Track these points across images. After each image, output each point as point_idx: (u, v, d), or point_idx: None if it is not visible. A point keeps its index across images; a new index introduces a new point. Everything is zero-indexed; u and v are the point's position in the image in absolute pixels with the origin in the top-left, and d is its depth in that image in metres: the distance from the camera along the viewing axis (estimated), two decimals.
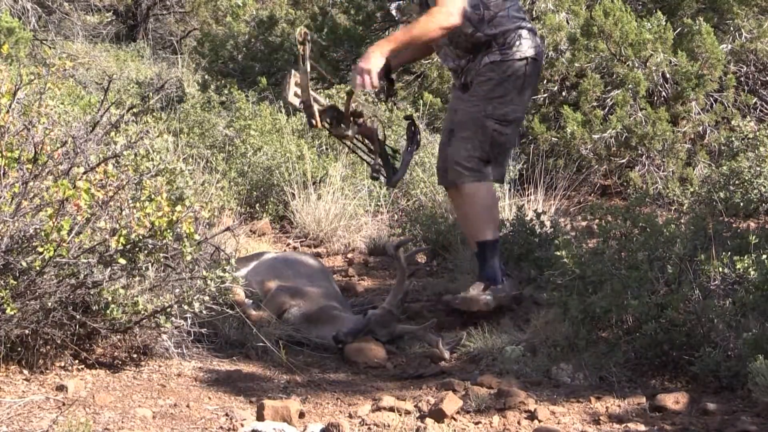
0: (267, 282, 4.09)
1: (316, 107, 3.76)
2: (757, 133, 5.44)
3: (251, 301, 3.88)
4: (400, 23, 8.62)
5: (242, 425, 2.78)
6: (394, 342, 3.83)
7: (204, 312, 3.25)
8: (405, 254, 3.88)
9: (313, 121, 3.77)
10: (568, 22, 7.18)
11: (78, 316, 3.07)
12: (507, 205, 5.36)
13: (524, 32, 3.89)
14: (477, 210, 3.92)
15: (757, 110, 7.00)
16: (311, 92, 3.76)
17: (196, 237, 3.18)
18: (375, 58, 3.72)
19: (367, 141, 4.03)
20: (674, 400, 2.96)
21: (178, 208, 3.09)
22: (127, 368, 3.26)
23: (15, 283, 2.86)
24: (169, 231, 3.04)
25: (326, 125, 3.89)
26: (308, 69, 3.71)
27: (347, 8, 8.64)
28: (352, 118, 3.89)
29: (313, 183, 5.78)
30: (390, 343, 3.81)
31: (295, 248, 5.48)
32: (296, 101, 3.84)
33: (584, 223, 4.28)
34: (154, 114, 7.37)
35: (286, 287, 4.03)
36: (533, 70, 3.92)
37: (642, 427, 2.79)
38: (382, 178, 3.95)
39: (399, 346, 3.83)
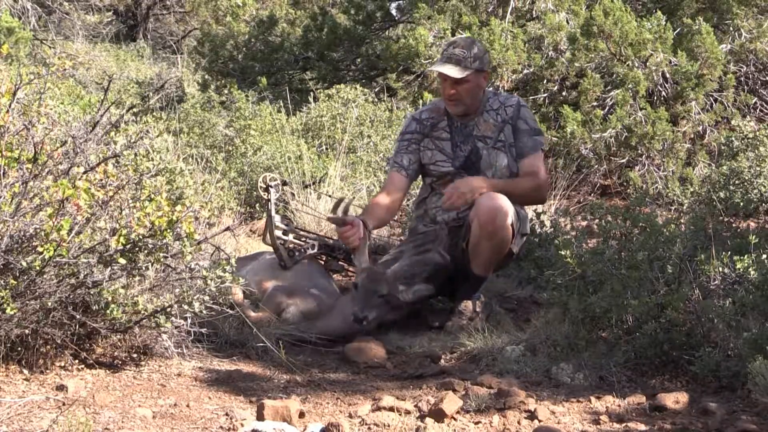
0: (265, 282, 4.09)
1: (283, 250, 4.17)
2: (757, 133, 5.44)
3: (249, 301, 3.88)
4: (400, 23, 8.63)
5: (242, 425, 2.78)
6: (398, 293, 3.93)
7: (204, 312, 3.25)
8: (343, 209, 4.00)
9: (282, 263, 4.16)
10: (568, 22, 7.19)
11: (78, 316, 3.06)
12: None
13: None
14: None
15: (757, 110, 7.01)
16: (298, 231, 4.29)
17: (196, 237, 3.17)
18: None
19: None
20: (674, 400, 2.96)
21: (178, 208, 3.08)
22: (127, 368, 3.26)
23: (15, 283, 2.86)
24: (169, 231, 3.03)
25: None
26: (273, 214, 4.12)
27: (347, 8, 8.65)
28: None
29: (313, 183, 5.78)
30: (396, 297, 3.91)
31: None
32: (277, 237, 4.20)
33: (584, 223, 4.27)
34: (154, 114, 7.38)
35: (282, 287, 4.03)
36: None
37: (642, 427, 2.79)
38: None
39: (399, 346, 3.84)
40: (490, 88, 4.49)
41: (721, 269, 3.19)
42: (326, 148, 6.59)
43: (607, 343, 3.39)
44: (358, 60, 8.52)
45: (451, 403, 2.89)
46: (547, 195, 4.42)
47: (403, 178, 4.31)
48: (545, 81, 6.98)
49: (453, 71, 4.11)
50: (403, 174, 4.30)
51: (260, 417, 2.81)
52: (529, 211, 4.39)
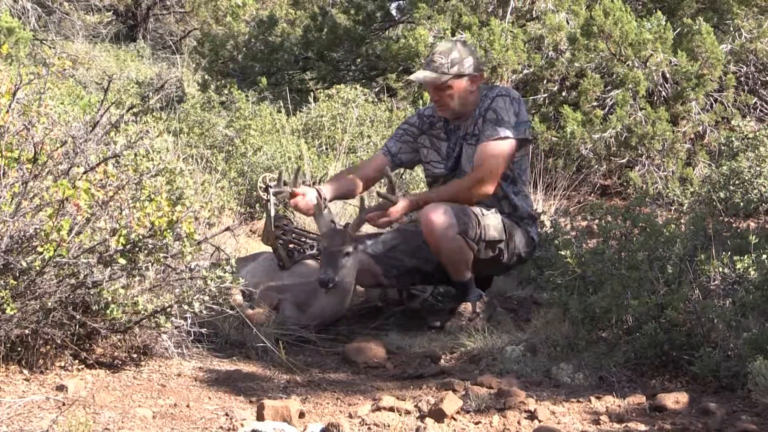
0: (262, 283, 4.09)
1: (282, 250, 4.10)
2: (757, 133, 5.44)
3: (248, 303, 3.88)
4: (400, 23, 8.63)
5: (242, 425, 2.78)
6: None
7: (204, 312, 3.25)
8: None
9: (281, 264, 4.11)
10: (568, 22, 7.19)
11: (78, 316, 3.07)
12: None
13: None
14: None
15: (757, 110, 7.02)
16: (296, 232, 4.21)
17: (196, 237, 3.17)
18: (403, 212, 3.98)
19: None
20: (674, 400, 2.96)
21: (178, 208, 3.08)
22: (127, 368, 3.26)
23: (15, 283, 2.86)
24: (169, 231, 3.03)
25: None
26: (272, 216, 4.03)
27: (347, 8, 8.65)
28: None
29: (313, 183, 5.78)
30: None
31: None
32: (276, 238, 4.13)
33: (584, 223, 4.28)
34: (154, 114, 7.37)
35: (271, 287, 4.04)
36: None
37: (642, 427, 2.79)
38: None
39: (399, 346, 3.84)
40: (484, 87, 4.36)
41: (721, 269, 3.20)
42: (326, 148, 6.59)
43: (607, 343, 3.39)
44: (358, 60, 8.53)
45: (451, 403, 2.89)
46: (491, 186, 3.98)
47: (385, 162, 4.28)
48: (545, 81, 6.99)
49: (427, 78, 4.05)
50: (388, 158, 4.28)
51: (260, 417, 2.81)
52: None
